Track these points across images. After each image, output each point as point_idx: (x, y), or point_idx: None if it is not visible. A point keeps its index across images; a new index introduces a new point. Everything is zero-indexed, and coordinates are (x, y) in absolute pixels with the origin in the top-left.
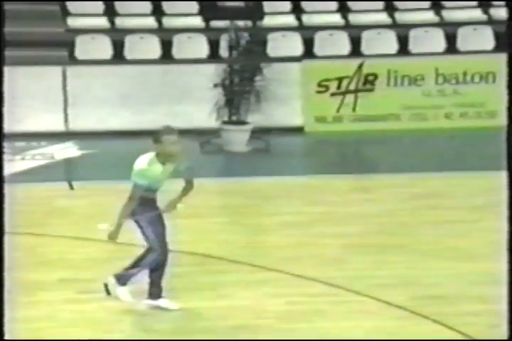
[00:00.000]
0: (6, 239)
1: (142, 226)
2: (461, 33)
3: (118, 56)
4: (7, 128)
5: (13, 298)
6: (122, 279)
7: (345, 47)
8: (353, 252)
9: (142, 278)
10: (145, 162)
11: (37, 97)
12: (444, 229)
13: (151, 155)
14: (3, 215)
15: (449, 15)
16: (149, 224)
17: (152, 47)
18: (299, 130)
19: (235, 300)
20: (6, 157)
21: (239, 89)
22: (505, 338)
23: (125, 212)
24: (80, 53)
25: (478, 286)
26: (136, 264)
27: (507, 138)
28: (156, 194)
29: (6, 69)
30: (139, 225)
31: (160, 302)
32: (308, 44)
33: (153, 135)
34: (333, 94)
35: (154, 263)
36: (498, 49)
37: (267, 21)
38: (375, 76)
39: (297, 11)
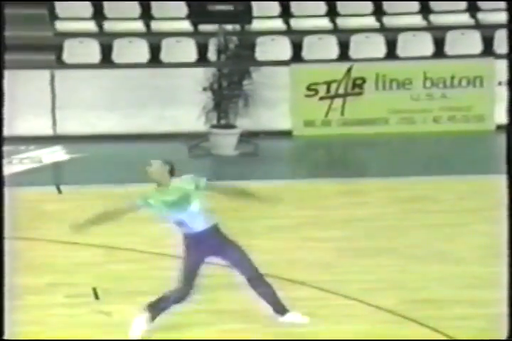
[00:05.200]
0: None
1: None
2: (449, 37)
3: (106, 60)
4: None
5: (3, 302)
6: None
7: (334, 51)
8: (342, 256)
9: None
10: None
11: (25, 101)
12: (432, 233)
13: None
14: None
15: (437, 19)
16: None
17: (140, 51)
18: (287, 134)
19: (223, 304)
20: None
21: (227, 93)
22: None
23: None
24: (68, 57)
25: (467, 290)
26: (165, 298)
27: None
28: (182, 225)
29: None
30: None
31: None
32: (297, 48)
33: None
34: (321, 98)
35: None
36: (485, 53)
37: (256, 25)
38: (364, 80)
39: (286, 15)
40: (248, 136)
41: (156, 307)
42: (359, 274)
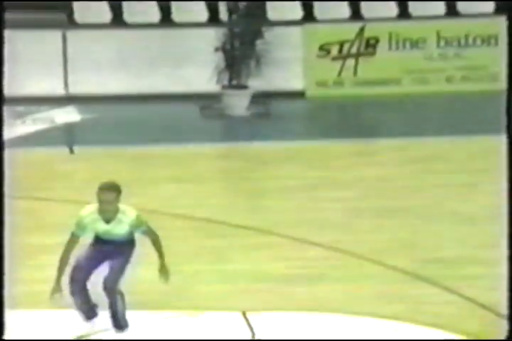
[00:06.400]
0: (7, 202)
1: None
2: None
3: (117, 20)
4: (7, 92)
5: (16, 261)
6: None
7: (346, 11)
8: (354, 216)
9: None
10: (88, 211)
11: (36, 61)
12: (444, 193)
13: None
14: (3, 184)
15: None
16: None
17: (151, 11)
18: (299, 94)
19: (236, 264)
20: (6, 121)
21: (239, 53)
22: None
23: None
24: (79, 17)
25: (478, 249)
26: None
27: (507, 101)
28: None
29: (6, 33)
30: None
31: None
32: (309, 7)
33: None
34: (334, 58)
35: None
36: (499, 11)
37: None
38: (377, 39)
39: None
40: (260, 97)
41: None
42: (371, 234)
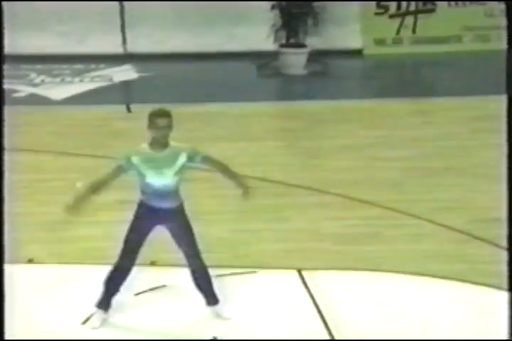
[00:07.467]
0: (65, 160)
1: None
2: None
3: None
4: (67, 49)
5: (77, 219)
6: None
7: None
8: (411, 175)
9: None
10: (135, 148)
11: (95, 19)
12: (501, 152)
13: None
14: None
15: None
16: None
17: None
18: (357, 52)
19: (292, 223)
20: (65, 79)
21: (296, 11)
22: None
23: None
24: None
25: None
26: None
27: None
28: (146, 193)
29: None
30: None
31: (96, 312)
32: None
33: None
34: (392, 16)
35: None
36: None
37: None
38: None
39: None
40: (318, 55)
41: (104, 300)
42: (428, 194)
